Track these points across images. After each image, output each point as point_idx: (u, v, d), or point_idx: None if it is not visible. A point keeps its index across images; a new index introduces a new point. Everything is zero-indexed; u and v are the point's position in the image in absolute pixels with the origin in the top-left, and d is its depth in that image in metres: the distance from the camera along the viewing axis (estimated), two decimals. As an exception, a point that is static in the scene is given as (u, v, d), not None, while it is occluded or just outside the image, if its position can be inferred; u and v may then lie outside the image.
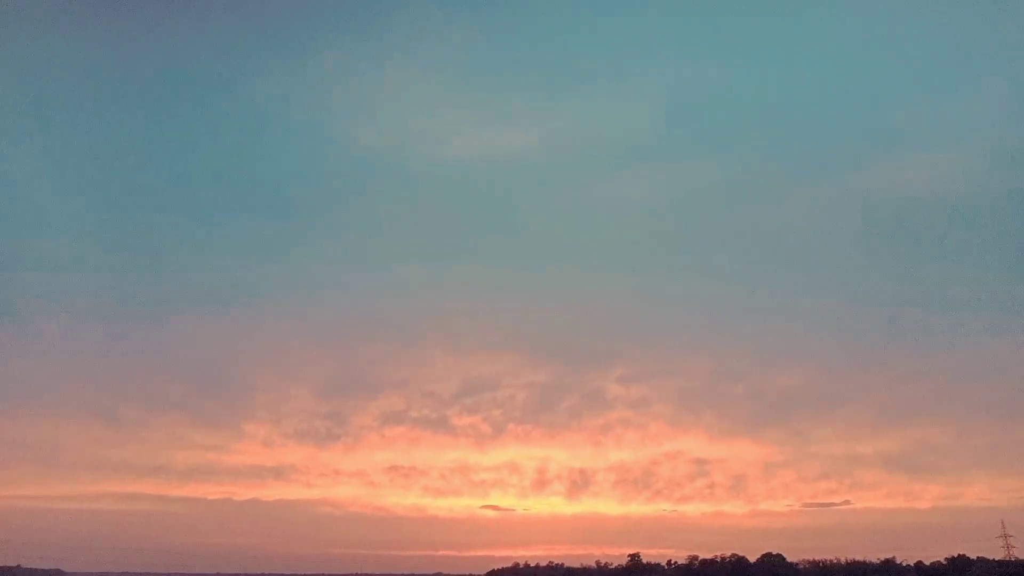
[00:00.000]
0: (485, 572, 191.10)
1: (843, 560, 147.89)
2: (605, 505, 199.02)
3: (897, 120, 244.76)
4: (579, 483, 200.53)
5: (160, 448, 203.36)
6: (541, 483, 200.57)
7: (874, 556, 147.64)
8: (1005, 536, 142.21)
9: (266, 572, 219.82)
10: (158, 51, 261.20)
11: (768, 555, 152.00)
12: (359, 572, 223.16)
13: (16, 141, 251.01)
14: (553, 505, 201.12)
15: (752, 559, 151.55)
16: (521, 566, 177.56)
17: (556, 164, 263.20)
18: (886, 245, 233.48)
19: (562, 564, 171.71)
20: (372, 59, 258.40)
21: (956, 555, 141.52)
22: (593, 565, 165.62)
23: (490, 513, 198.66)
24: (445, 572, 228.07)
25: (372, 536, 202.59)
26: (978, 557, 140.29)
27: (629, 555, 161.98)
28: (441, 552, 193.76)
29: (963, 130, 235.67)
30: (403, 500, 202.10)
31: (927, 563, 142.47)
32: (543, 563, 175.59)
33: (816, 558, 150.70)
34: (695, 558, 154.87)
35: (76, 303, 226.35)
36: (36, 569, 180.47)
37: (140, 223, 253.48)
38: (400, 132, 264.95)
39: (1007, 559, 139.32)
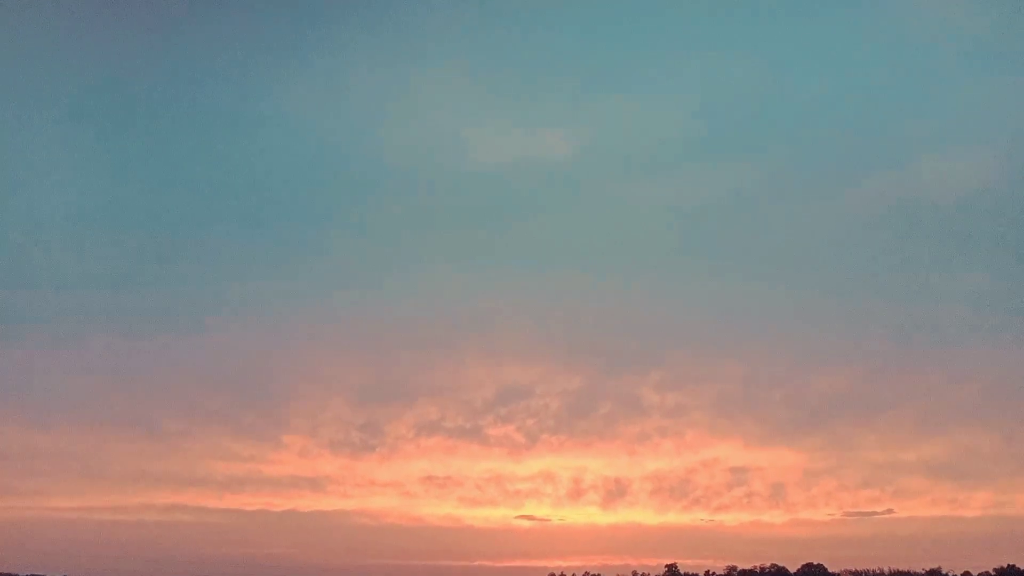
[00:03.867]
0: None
1: (886, 570, 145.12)
2: (641, 515, 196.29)
3: (937, 118, 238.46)
4: (615, 492, 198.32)
5: (200, 459, 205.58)
6: (576, 493, 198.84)
7: (919, 566, 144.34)
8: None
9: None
10: (172, 53, 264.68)
11: (809, 565, 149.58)
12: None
13: (45, 153, 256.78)
14: (589, 515, 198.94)
15: (792, 569, 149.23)
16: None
17: (589, 167, 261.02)
18: (930, 245, 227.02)
19: (598, 574, 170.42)
20: (399, 63, 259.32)
21: (1005, 565, 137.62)
22: (630, 575, 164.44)
23: (525, 523, 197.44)
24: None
25: (407, 546, 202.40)
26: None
27: (666, 565, 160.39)
28: (476, 562, 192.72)
29: (1008, 127, 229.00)
30: (438, 510, 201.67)
31: (975, 573, 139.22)
32: (579, 573, 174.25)
33: (858, 568, 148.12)
34: (734, 568, 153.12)
35: (116, 318, 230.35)
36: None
37: (176, 236, 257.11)
38: (431, 135, 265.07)
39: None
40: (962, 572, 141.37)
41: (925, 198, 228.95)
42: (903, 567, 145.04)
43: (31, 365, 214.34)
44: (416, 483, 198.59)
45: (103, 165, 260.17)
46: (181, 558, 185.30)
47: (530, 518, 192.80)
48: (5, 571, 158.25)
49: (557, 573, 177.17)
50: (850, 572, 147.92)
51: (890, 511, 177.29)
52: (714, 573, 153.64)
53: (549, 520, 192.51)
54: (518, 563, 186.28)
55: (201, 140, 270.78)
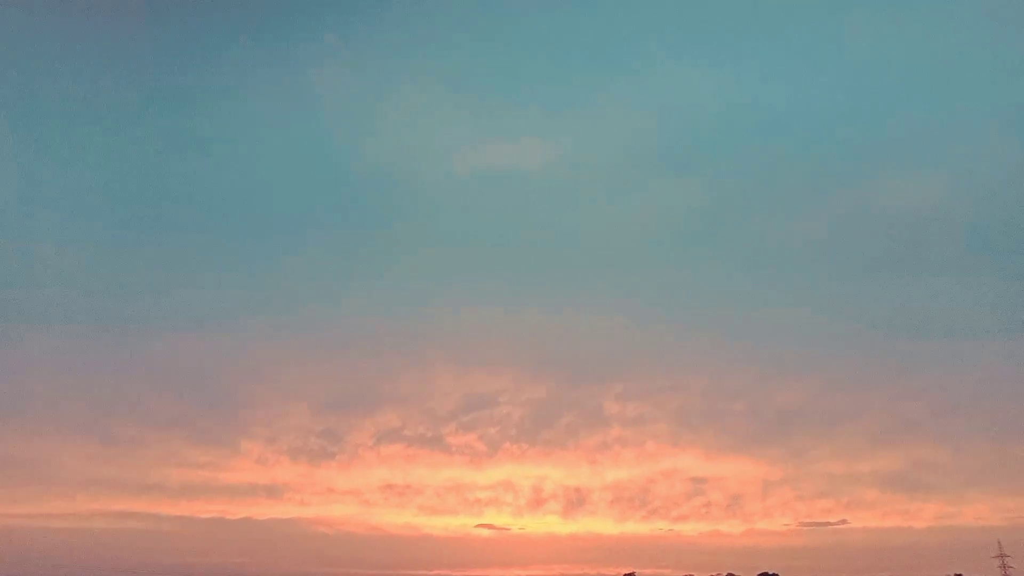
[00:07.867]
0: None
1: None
2: (601, 524, 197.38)
3: (899, 136, 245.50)
4: (575, 501, 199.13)
5: (155, 466, 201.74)
6: (537, 502, 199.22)
7: (871, 575, 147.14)
8: (1002, 556, 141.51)
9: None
10: (147, 62, 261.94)
11: (764, 574, 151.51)
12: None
13: (6, 157, 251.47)
14: (549, 524, 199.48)
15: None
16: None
17: (558, 181, 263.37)
18: (887, 263, 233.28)
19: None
20: (373, 70, 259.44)
21: (953, 575, 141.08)
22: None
23: (485, 532, 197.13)
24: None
25: (366, 555, 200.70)
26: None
27: (625, 574, 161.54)
28: (435, 571, 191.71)
29: (968, 145, 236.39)
30: (397, 519, 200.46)
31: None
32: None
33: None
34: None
35: (70, 321, 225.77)
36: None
37: (134, 240, 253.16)
38: (401, 145, 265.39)
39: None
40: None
41: (880, 215, 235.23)
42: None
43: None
44: (375, 491, 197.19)
45: (63, 165, 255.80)
46: (134, 567, 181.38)
47: (490, 527, 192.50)
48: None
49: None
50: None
51: (844, 521, 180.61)
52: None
53: (509, 529, 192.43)
54: (477, 572, 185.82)
55: (166, 147, 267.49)
